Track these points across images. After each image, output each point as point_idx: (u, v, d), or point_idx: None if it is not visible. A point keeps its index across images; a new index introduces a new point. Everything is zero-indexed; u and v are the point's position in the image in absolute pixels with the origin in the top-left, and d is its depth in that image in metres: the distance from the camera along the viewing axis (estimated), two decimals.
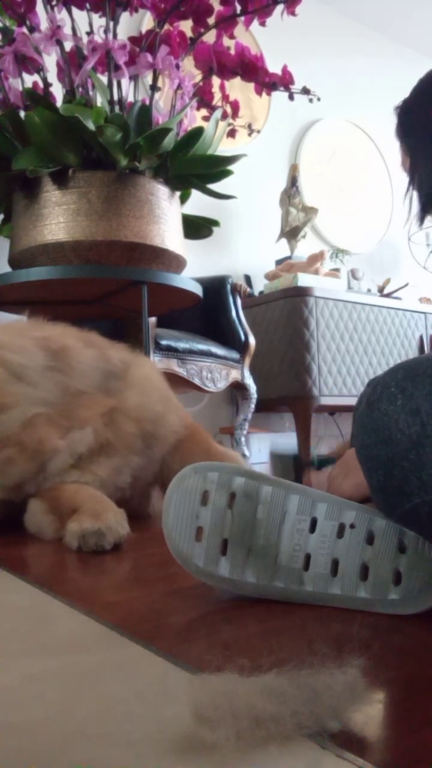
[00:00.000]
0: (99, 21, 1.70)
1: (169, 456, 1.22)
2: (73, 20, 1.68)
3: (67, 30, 1.64)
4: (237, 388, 2.59)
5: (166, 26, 1.73)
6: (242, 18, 1.73)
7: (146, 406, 1.17)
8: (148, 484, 1.20)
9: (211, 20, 1.74)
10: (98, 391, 1.12)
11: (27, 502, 1.04)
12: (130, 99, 1.78)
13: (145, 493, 1.21)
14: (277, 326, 2.92)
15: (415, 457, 0.52)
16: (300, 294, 2.87)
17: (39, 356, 1.08)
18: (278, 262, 3.26)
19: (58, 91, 1.77)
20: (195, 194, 1.95)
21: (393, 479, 0.54)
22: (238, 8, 1.72)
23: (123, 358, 1.22)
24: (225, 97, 1.94)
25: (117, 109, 1.69)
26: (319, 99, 1.88)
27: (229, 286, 2.60)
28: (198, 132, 1.70)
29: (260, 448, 3.13)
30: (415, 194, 1.00)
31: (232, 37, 1.79)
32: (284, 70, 1.84)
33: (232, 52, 1.81)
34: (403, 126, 1.01)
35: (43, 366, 1.07)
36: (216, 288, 2.57)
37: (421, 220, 1.02)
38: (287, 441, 3.24)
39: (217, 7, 1.73)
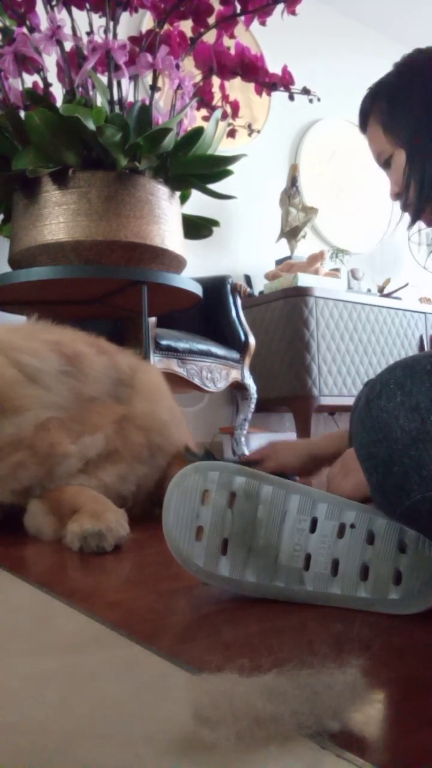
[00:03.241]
0: (99, 21, 1.70)
1: (168, 467, 1.21)
2: (73, 20, 1.68)
3: (67, 30, 1.64)
4: (237, 388, 2.59)
5: (166, 26, 1.73)
6: (242, 18, 1.73)
7: (154, 415, 1.17)
8: (149, 493, 1.20)
9: (211, 20, 1.74)
10: (108, 398, 1.13)
11: (27, 503, 1.03)
12: (130, 99, 1.78)
13: (145, 502, 1.21)
14: (277, 326, 2.92)
15: (416, 454, 0.52)
16: (300, 294, 2.87)
17: (54, 360, 1.08)
18: (278, 262, 3.26)
19: (58, 91, 1.77)
20: (195, 194, 1.95)
21: (393, 477, 0.54)
22: (238, 8, 1.71)
23: (131, 365, 1.22)
24: (225, 97, 1.94)
25: (117, 109, 1.69)
26: (319, 99, 1.88)
27: (229, 286, 2.60)
28: (198, 132, 1.70)
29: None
30: (412, 192, 0.98)
31: (232, 36, 1.79)
32: (284, 70, 1.84)
33: (232, 52, 1.81)
34: (393, 115, 0.98)
35: (58, 370, 1.08)
36: (216, 288, 2.57)
37: (415, 218, 1.00)
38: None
39: (217, 6, 1.73)
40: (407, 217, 1.04)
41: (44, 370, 1.06)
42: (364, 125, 1.08)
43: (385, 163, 1.06)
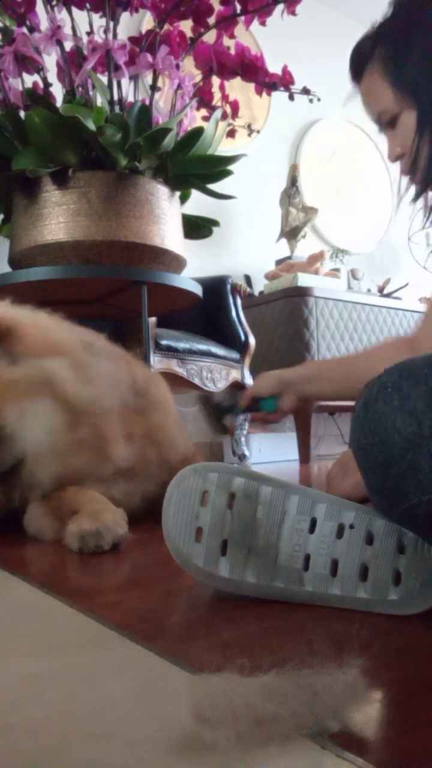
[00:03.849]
0: (99, 21, 1.70)
1: (170, 479, 1.19)
2: (73, 20, 1.68)
3: (67, 30, 1.64)
4: (237, 388, 2.59)
5: (166, 26, 1.73)
6: (242, 18, 1.73)
7: (166, 430, 1.15)
8: (150, 503, 1.19)
9: (211, 20, 1.74)
10: (132, 408, 1.10)
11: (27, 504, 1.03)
12: (130, 99, 1.78)
13: (148, 507, 1.20)
14: (277, 326, 2.92)
15: (412, 458, 0.52)
16: (300, 294, 2.87)
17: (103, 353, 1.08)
18: (278, 262, 3.26)
19: (58, 91, 1.77)
20: (195, 194, 1.95)
21: (390, 480, 0.54)
22: (238, 8, 1.71)
23: (145, 376, 1.20)
24: (225, 97, 1.94)
25: (117, 109, 1.69)
26: (319, 99, 1.88)
27: (229, 286, 2.60)
28: (198, 132, 1.70)
29: (260, 448, 3.13)
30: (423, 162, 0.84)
31: (232, 37, 1.79)
32: (284, 70, 1.84)
33: (232, 52, 1.81)
34: (399, 65, 0.81)
35: (108, 368, 1.07)
36: (216, 288, 2.57)
37: (424, 186, 0.86)
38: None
39: (217, 7, 1.73)
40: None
41: (100, 359, 1.05)
42: (359, 74, 0.91)
43: (388, 124, 0.90)
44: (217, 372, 2.36)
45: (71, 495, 0.99)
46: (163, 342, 2.15)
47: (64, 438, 0.97)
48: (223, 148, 1.93)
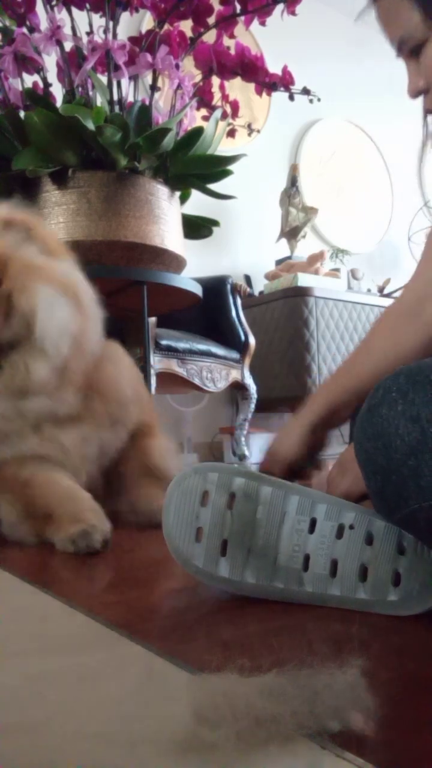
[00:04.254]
0: (99, 21, 1.70)
1: (131, 440, 1.15)
2: (73, 20, 1.68)
3: (66, 30, 1.63)
4: (237, 388, 2.59)
5: (166, 26, 1.73)
6: (242, 18, 1.73)
7: (114, 384, 1.12)
8: (113, 465, 1.14)
9: (211, 20, 1.74)
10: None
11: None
12: (130, 99, 1.78)
13: (111, 474, 1.14)
14: (277, 326, 2.92)
15: (414, 464, 0.51)
16: (300, 294, 2.87)
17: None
18: (278, 262, 3.26)
19: (58, 91, 1.77)
20: (195, 194, 1.95)
21: (391, 484, 0.54)
22: (238, 8, 1.71)
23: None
24: (225, 97, 1.93)
25: (117, 109, 1.69)
26: (319, 99, 1.88)
27: (229, 286, 2.60)
28: (198, 132, 1.70)
29: (260, 448, 3.13)
30: None
31: (232, 36, 1.79)
32: (284, 70, 1.84)
33: (232, 52, 1.81)
34: None
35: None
36: (216, 288, 2.57)
37: None
38: None
39: (217, 6, 1.73)
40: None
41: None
42: None
43: (412, 52, 0.77)
44: (217, 372, 2.36)
45: (39, 491, 0.96)
46: (163, 342, 2.14)
47: (71, 341, 0.99)
48: (223, 148, 1.93)
